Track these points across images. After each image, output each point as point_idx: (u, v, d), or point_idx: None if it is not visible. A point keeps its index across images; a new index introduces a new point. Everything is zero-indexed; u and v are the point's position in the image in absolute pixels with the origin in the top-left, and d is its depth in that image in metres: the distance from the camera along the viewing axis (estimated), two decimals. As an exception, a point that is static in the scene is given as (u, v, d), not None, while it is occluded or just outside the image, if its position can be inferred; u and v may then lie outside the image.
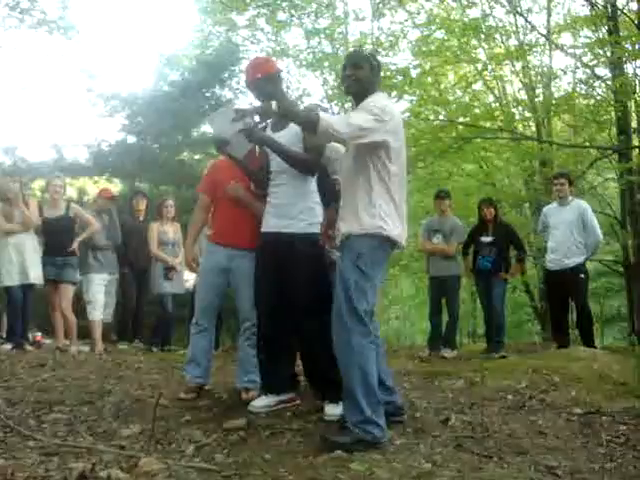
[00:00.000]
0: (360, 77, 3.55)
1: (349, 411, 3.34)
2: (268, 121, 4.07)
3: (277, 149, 3.89)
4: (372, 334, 3.39)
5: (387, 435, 3.31)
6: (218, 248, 4.44)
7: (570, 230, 7.03)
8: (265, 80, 4.02)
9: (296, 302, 3.84)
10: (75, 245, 7.23)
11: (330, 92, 15.02)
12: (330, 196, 4.08)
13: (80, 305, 7.66)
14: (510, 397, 4.39)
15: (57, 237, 7.26)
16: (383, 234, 3.42)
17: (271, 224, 4.00)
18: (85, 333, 7.63)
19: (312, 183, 4.02)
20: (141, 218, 8.32)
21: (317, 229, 3.99)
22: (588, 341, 6.97)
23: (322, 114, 3.29)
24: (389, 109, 3.46)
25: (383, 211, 3.42)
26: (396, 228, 3.47)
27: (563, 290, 7.13)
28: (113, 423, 3.73)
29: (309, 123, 3.31)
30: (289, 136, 3.93)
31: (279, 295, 3.93)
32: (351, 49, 12.97)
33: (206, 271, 4.54)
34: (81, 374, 5.16)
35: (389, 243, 3.49)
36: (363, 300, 3.36)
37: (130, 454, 3.06)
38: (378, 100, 3.47)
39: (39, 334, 8.18)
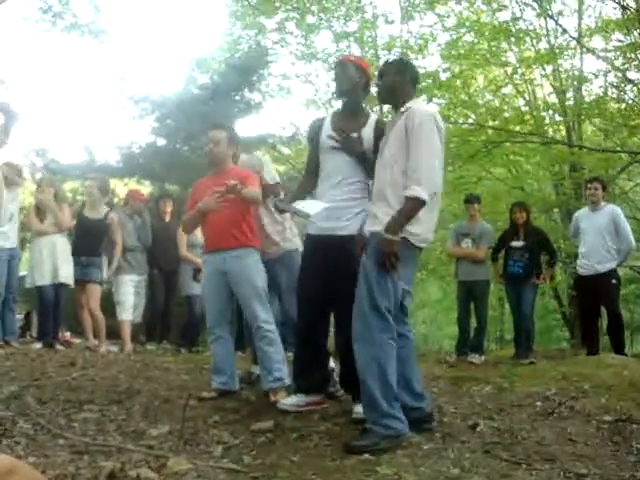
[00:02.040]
0: (386, 84, 3.69)
1: (366, 409, 3.38)
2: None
3: None
4: (393, 331, 3.40)
5: (408, 429, 3.33)
6: (210, 257, 4.57)
7: (602, 235, 6.93)
8: (351, 67, 3.99)
9: (348, 303, 3.61)
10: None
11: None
12: None
13: (109, 305, 7.74)
14: (539, 403, 4.34)
15: (86, 238, 7.35)
16: (409, 240, 3.42)
17: (324, 226, 3.89)
18: (114, 333, 7.71)
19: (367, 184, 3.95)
20: (167, 220, 8.39)
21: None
22: (619, 348, 6.87)
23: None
24: (438, 122, 3.50)
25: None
26: (424, 232, 3.49)
27: (594, 296, 7.03)
28: (142, 423, 3.77)
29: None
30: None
31: (324, 297, 3.91)
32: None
33: (206, 280, 4.71)
34: (110, 374, 5.21)
35: (415, 247, 3.50)
36: (385, 297, 3.37)
37: (159, 454, 3.09)
38: (425, 121, 3.44)
39: (68, 334, 8.29)
